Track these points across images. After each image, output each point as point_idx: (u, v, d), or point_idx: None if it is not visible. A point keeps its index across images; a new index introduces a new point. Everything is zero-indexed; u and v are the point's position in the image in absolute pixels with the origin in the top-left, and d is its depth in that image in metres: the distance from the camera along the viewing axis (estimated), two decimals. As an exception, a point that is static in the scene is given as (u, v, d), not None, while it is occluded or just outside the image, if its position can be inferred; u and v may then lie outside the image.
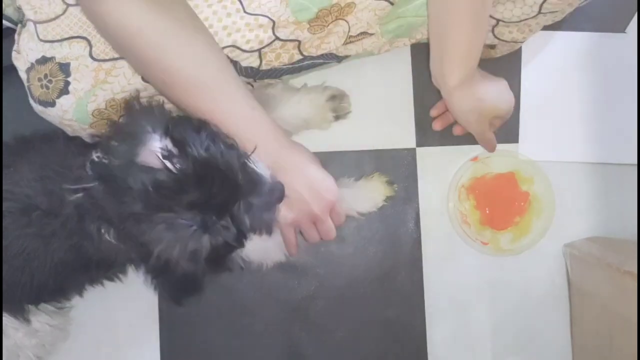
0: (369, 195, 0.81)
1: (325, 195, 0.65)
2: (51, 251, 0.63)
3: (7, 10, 0.71)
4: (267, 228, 0.60)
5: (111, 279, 0.76)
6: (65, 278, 0.67)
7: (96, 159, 0.56)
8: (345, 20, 0.68)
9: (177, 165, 0.52)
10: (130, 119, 0.56)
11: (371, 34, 0.71)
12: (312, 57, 0.71)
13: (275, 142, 0.63)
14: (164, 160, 0.52)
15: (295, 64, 0.71)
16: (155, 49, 0.58)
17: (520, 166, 0.85)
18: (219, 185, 0.54)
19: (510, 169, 0.85)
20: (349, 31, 0.69)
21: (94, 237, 0.59)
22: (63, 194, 0.58)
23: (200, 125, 0.57)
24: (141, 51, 0.59)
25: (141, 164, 0.52)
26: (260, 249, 0.74)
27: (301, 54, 0.70)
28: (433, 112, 0.85)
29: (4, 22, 0.72)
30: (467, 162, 0.85)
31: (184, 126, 0.56)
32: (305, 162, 0.65)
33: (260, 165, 0.59)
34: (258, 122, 0.62)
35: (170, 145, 0.54)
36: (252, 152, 0.59)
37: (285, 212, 0.66)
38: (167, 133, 0.54)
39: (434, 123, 0.85)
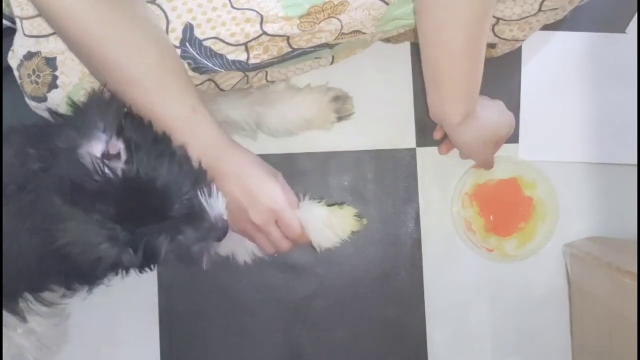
0: (333, 226, 0.71)
1: (265, 203, 0.63)
2: (27, 230, 0.61)
3: (7, 10, 0.71)
4: (191, 261, 0.58)
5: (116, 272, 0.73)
6: (50, 262, 0.65)
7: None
8: (338, 19, 0.65)
9: (108, 174, 0.51)
10: (88, 109, 0.54)
11: (364, 33, 0.70)
12: (302, 49, 0.69)
13: (214, 146, 0.61)
14: (95, 166, 0.51)
15: (285, 55, 0.69)
16: (82, 32, 0.56)
17: (522, 171, 0.85)
18: (145, 209, 0.52)
19: (513, 175, 0.85)
20: (341, 29, 0.67)
21: None
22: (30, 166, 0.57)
23: (162, 139, 0.56)
24: (69, 34, 0.57)
25: (77, 158, 0.51)
26: (226, 246, 0.73)
27: (290, 47, 0.67)
28: (436, 135, 0.84)
29: (4, 22, 0.72)
30: (469, 169, 0.85)
31: (143, 134, 0.55)
32: (246, 168, 0.63)
33: (214, 200, 0.57)
34: (197, 124, 0.60)
35: (119, 147, 0.52)
36: (206, 181, 0.57)
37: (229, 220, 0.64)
38: (119, 134, 0.52)
39: (440, 148, 0.85)
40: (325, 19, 0.65)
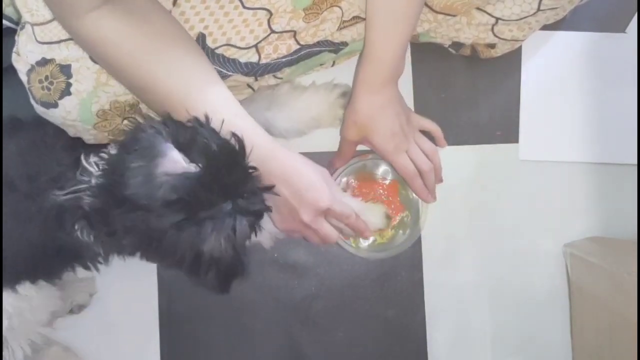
0: (366, 221, 0.73)
1: (313, 203, 0.64)
2: (25, 232, 0.63)
3: (7, 10, 0.71)
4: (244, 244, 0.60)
5: (87, 268, 0.74)
6: (36, 259, 0.67)
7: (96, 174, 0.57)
8: (339, 7, 0.69)
9: (200, 164, 0.52)
10: (140, 134, 0.55)
11: (364, 18, 0.71)
12: (309, 46, 0.72)
13: (259, 148, 0.61)
14: (186, 165, 0.52)
15: (293, 54, 0.71)
16: (130, 60, 0.58)
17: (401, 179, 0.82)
18: (236, 170, 0.55)
19: (395, 178, 0.83)
20: (342, 16, 0.70)
21: (67, 229, 0.60)
22: (44, 185, 0.60)
23: (205, 120, 0.58)
24: (117, 63, 0.59)
25: (164, 173, 0.52)
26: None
27: (298, 43, 0.71)
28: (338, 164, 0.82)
29: (4, 22, 0.72)
30: (357, 157, 0.82)
31: (192, 125, 0.56)
32: (292, 169, 0.63)
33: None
34: (241, 128, 0.60)
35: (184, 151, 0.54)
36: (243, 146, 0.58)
37: (276, 219, 0.66)
38: (176, 140, 0.53)
39: (333, 162, 0.82)
40: (328, 8, 0.69)
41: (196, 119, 0.56)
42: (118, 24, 0.57)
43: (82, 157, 0.59)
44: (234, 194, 0.54)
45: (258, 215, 0.57)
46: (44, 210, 0.62)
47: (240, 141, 0.57)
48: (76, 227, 0.60)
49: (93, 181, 0.57)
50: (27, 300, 0.71)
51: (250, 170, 0.57)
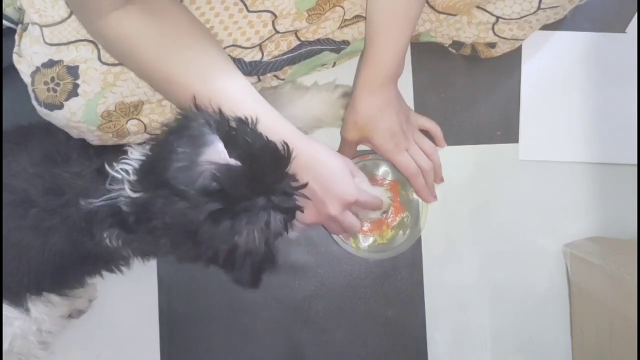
0: None
1: (342, 197, 0.64)
2: (49, 244, 0.64)
3: (7, 10, 0.71)
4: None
5: (111, 271, 0.76)
6: (62, 268, 0.68)
7: (134, 165, 0.57)
8: (341, 7, 0.70)
9: (239, 161, 0.53)
10: (191, 122, 0.56)
11: (364, 17, 0.72)
12: (309, 42, 0.73)
13: (284, 139, 0.61)
14: (229, 159, 0.53)
15: (293, 50, 0.73)
16: (155, 57, 0.60)
17: (403, 180, 0.82)
18: (275, 172, 0.56)
19: (395, 179, 0.83)
20: (344, 15, 0.71)
21: (94, 237, 0.60)
22: (68, 197, 0.61)
23: (248, 119, 0.59)
24: (140, 58, 0.60)
25: (208, 162, 0.52)
26: None
27: (298, 39, 0.72)
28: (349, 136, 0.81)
29: (4, 22, 0.72)
30: (357, 158, 0.82)
31: (236, 124, 0.57)
32: (318, 159, 0.63)
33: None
34: (263, 117, 0.60)
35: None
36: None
37: (301, 213, 0.65)
38: (222, 133, 0.54)
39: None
40: (331, 8, 0.70)
41: (240, 119, 0.57)
42: (139, 21, 0.58)
43: (107, 167, 0.59)
44: (268, 192, 0.55)
45: (291, 213, 0.58)
46: (69, 222, 0.62)
47: (288, 150, 0.58)
48: (105, 235, 0.60)
49: (126, 188, 0.57)
50: (37, 323, 0.72)
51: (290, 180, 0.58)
